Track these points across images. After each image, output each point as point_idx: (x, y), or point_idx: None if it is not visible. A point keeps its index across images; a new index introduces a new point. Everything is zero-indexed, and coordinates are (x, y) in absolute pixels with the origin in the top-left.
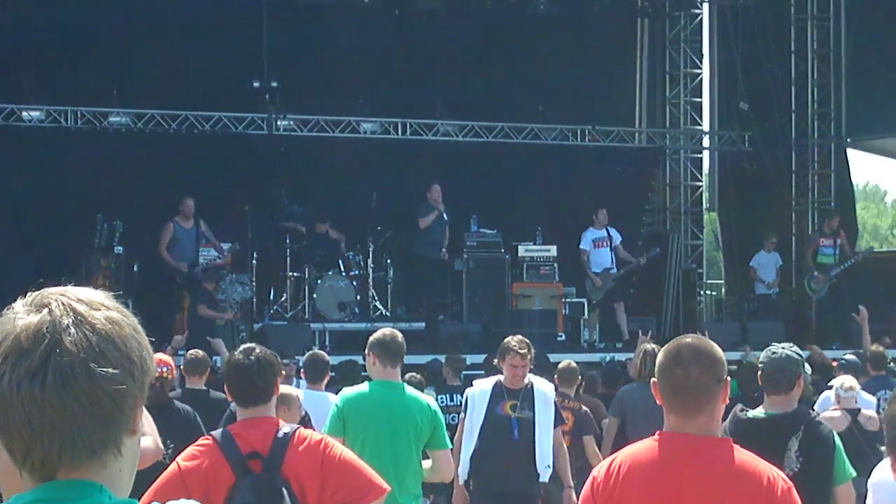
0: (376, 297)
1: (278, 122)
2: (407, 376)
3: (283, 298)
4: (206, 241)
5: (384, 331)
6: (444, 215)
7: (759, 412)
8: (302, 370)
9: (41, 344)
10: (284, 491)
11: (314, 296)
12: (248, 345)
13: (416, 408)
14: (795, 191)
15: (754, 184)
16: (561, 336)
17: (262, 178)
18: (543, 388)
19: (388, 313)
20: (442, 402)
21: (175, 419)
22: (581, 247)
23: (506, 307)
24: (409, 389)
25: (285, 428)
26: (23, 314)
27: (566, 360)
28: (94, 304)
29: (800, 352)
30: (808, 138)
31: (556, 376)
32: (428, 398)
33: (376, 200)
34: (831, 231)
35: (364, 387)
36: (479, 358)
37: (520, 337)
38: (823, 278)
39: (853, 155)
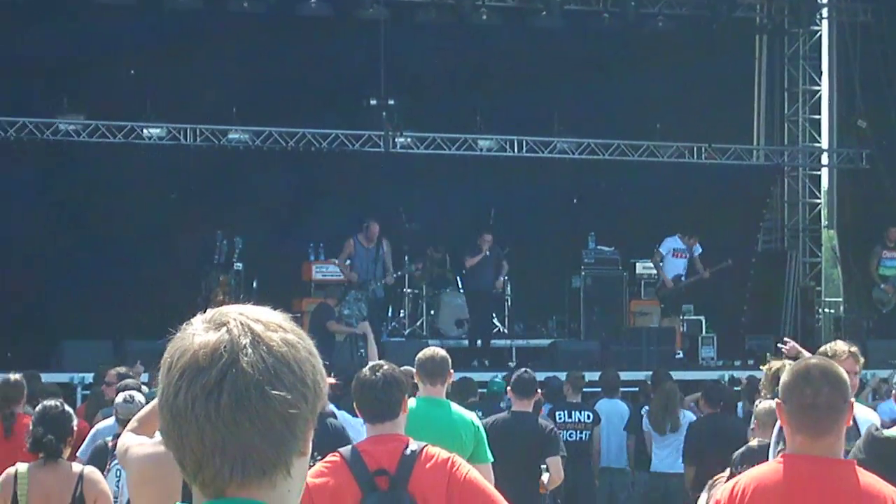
0: (494, 315)
1: (395, 140)
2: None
3: (401, 315)
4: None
5: (426, 350)
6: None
7: (893, 432)
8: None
9: (218, 363)
10: None
11: (432, 312)
12: (377, 361)
13: (460, 424)
14: None
15: (872, 201)
16: (679, 353)
17: (380, 195)
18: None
19: (504, 330)
20: (560, 418)
21: (326, 433)
22: (658, 248)
23: (623, 324)
24: (454, 406)
25: (413, 445)
26: (201, 332)
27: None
28: (271, 325)
29: None
30: None
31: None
32: (471, 415)
33: (494, 217)
34: (893, 243)
35: (412, 403)
36: (596, 375)
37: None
38: (891, 290)
39: None
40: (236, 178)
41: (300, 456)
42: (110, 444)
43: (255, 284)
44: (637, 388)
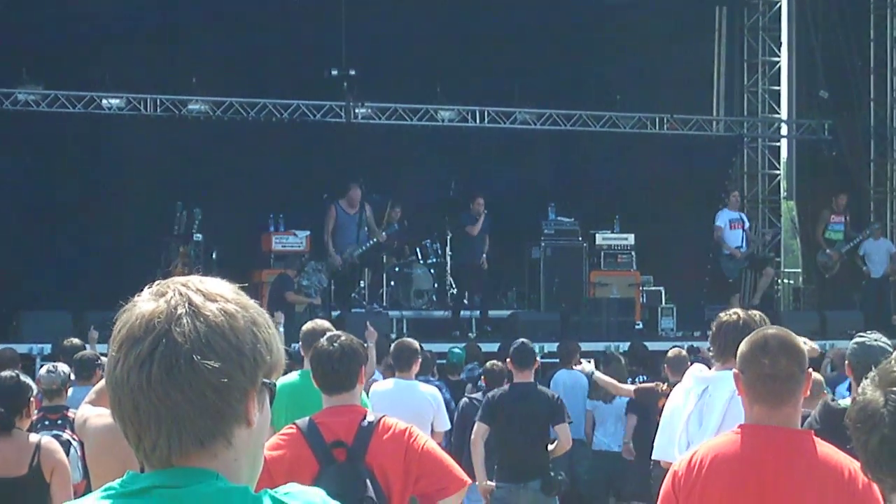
0: (454, 286)
1: (356, 111)
2: (488, 364)
3: (361, 286)
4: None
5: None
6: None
7: (849, 402)
8: (392, 359)
9: (151, 333)
10: (368, 480)
11: (392, 283)
12: (334, 332)
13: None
14: (874, 179)
15: (832, 172)
16: (639, 324)
17: (340, 166)
18: None
19: (465, 301)
20: None
21: None
22: (717, 223)
23: (583, 295)
24: (421, 386)
25: (370, 416)
26: (143, 302)
27: (675, 349)
28: (211, 294)
29: (888, 342)
30: (886, 127)
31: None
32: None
33: (455, 188)
34: (840, 209)
35: (389, 383)
36: (555, 346)
37: None
38: (836, 255)
39: None
40: (196, 148)
41: (243, 426)
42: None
43: (214, 255)
44: (594, 360)
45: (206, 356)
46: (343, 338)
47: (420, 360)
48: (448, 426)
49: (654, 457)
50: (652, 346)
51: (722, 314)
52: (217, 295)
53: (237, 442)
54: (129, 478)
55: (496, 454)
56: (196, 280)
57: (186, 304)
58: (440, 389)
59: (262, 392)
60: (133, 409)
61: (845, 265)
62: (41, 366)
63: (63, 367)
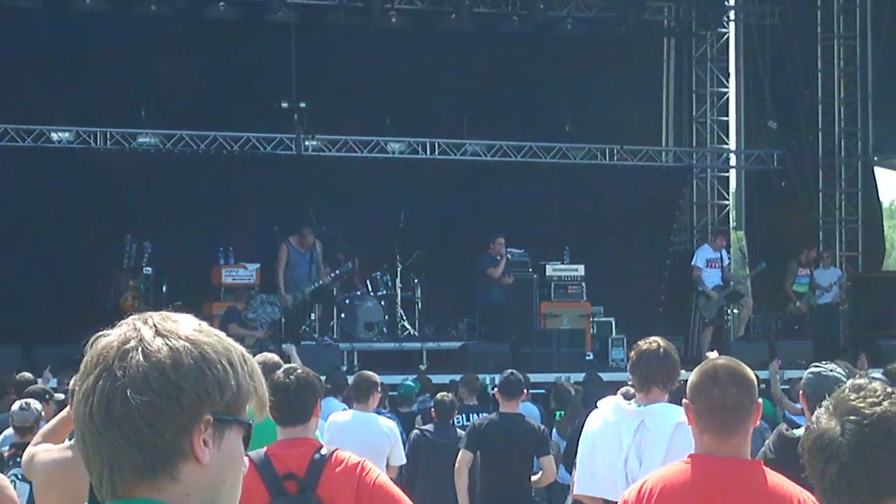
0: (404, 317)
1: (307, 143)
2: (438, 396)
3: (311, 319)
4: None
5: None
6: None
7: (802, 431)
8: (351, 391)
9: (99, 367)
10: None
11: (342, 316)
12: (291, 364)
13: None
14: (822, 209)
15: (781, 202)
16: (589, 355)
17: (291, 198)
18: None
19: (415, 333)
20: (459, 422)
21: None
22: (694, 263)
23: (534, 326)
24: (380, 419)
25: (323, 450)
26: (104, 336)
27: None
28: (164, 330)
29: (842, 372)
30: (835, 157)
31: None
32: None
33: (404, 220)
34: (807, 261)
35: (347, 415)
36: None
37: None
38: (805, 307)
39: (880, 173)
40: (146, 181)
41: (192, 462)
42: (6, 453)
43: (164, 289)
44: (545, 391)
45: (140, 391)
46: (299, 371)
47: (379, 392)
48: (403, 460)
49: (576, 492)
50: (604, 376)
51: (641, 342)
52: (169, 331)
53: (185, 478)
54: None
55: (480, 483)
56: (158, 316)
57: (136, 339)
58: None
59: (219, 428)
60: (82, 441)
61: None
62: None
63: (36, 405)
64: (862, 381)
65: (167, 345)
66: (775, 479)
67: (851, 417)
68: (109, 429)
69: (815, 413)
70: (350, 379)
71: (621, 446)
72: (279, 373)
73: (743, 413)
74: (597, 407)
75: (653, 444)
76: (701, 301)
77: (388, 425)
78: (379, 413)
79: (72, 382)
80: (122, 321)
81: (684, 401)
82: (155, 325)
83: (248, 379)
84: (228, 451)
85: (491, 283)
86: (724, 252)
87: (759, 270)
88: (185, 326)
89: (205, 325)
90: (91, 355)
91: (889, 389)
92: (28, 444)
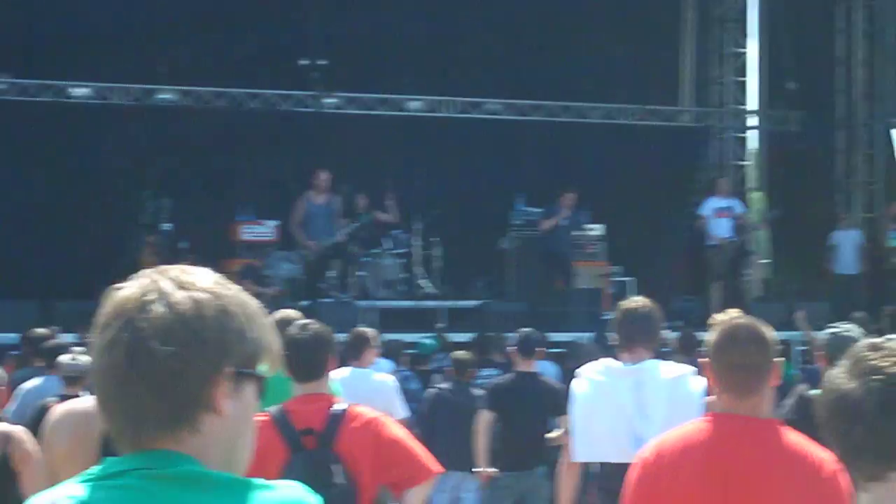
0: (423, 276)
1: (325, 100)
2: (456, 354)
3: (329, 276)
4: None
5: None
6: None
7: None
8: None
9: (120, 319)
10: (337, 468)
11: (361, 273)
12: (305, 320)
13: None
14: (842, 171)
15: (800, 163)
16: (607, 315)
17: (310, 156)
18: None
19: (434, 291)
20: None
21: None
22: (699, 211)
23: (550, 286)
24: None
25: (340, 404)
26: (121, 289)
27: None
28: (184, 283)
29: (859, 332)
30: (854, 118)
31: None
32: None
33: (423, 178)
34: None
35: (344, 371)
36: None
37: None
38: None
39: None
40: (164, 137)
41: (211, 414)
42: (51, 404)
43: (182, 245)
44: (565, 350)
45: (165, 342)
46: (315, 325)
47: (373, 348)
48: (403, 414)
49: (577, 458)
50: None
51: (624, 302)
52: (189, 283)
53: (206, 430)
54: (107, 463)
55: (499, 442)
56: (176, 269)
57: (156, 291)
58: (408, 379)
59: (238, 381)
60: (102, 392)
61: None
62: (7, 355)
63: (84, 357)
64: (877, 340)
65: (189, 296)
66: (796, 438)
67: (875, 377)
68: (133, 380)
69: (831, 374)
70: None
71: (620, 406)
72: (293, 328)
73: (762, 373)
74: (576, 375)
75: (654, 400)
76: (708, 253)
77: (383, 379)
78: (400, 372)
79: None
80: (137, 275)
81: (702, 360)
82: (175, 278)
83: (264, 332)
84: (246, 404)
85: (553, 236)
86: (737, 201)
87: (774, 218)
88: (205, 279)
89: (222, 278)
90: (109, 308)
91: None
92: (75, 395)
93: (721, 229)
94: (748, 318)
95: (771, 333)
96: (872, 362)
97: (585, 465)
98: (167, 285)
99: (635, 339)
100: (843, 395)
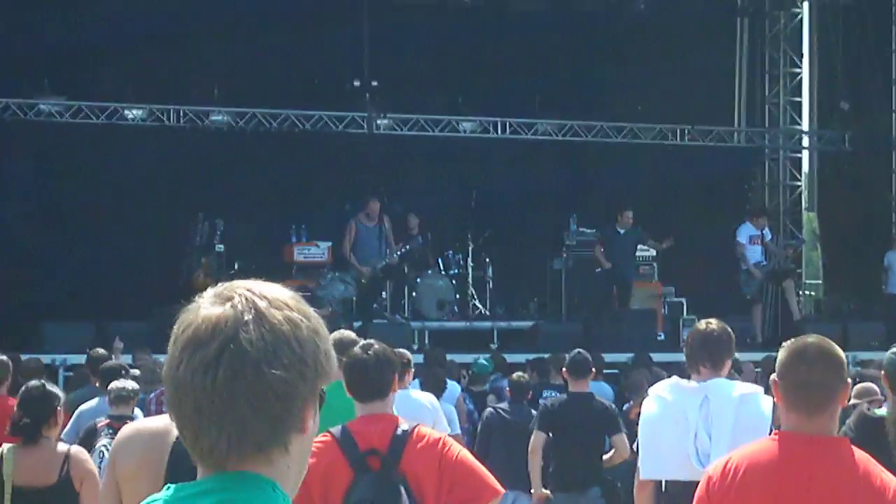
0: (475, 296)
1: (378, 122)
2: (514, 376)
3: (382, 297)
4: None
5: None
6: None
7: (884, 411)
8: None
9: (219, 338)
10: (402, 489)
11: (414, 294)
12: (368, 340)
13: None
14: (895, 189)
15: (854, 184)
16: (661, 336)
17: (363, 177)
18: None
19: (486, 312)
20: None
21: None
22: (738, 240)
23: (604, 307)
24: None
25: (404, 425)
26: (208, 305)
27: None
28: (276, 302)
29: None
30: None
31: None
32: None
33: (476, 199)
34: (759, 227)
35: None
36: None
37: None
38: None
39: None
40: (218, 159)
41: (299, 434)
42: (100, 424)
43: (236, 266)
44: (617, 371)
45: (272, 365)
46: (377, 346)
47: (410, 369)
48: (449, 430)
49: (641, 476)
50: (675, 357)
51: (698, 323)
52: (282, 303)
53: (293, 449)
54: (178, 487)
55: (552, 463)
56: (260, 285)
57: (253, 311)
58: (465, 400)
59: (317, 400)
60: (194, 411)
61: (878, 278)
62: (65, 377)
63: (132, 385)
64: None
65: (286, 317)
66: (860, 455)
67: None
68: (236, 400)
69: None
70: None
71: (687, 423)
72: (357, 348)
73: (830, 392)
74: (648, 394)
75: (719, 418)
76: (742, 278)
77: (423, 398)
78: (462, 391)
79: (171, 352)
80: (207, 293)
81: (772, 378)
82: (265, 297)
83: (333, 353)
84: (317, 421)
85: (609, 255)
86: (765, 230)
87: (796, 246)
88: (291, 298)
89: (296, 294)
90: (200, 324)
91: None
92: (123, 416)
93: (755, 255)
94: (818, 336)
95: (840, 352)
96: None
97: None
98: (261, 304)
99: (704, 359)
100: None
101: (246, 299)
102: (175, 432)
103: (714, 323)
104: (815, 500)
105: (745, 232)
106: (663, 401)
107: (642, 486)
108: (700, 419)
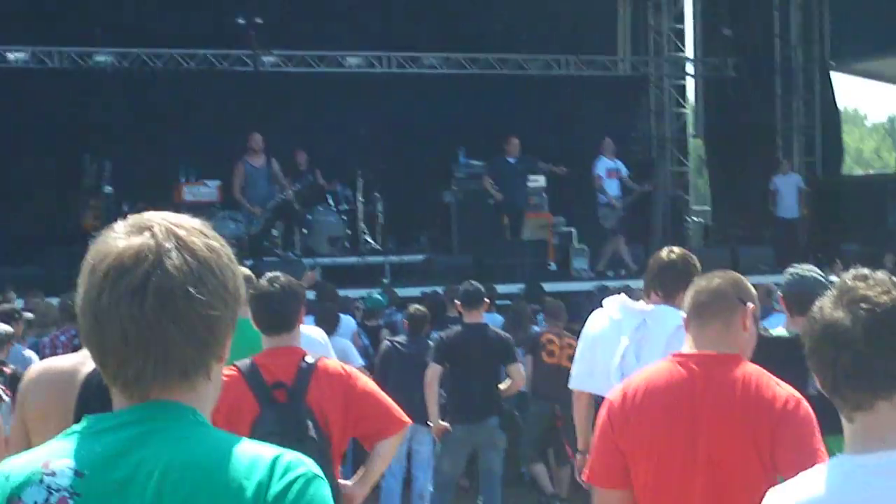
0: (366, 232)
1: (263, 59)
2: (411, 308)
3: (273, 234)
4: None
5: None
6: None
7: (781, 331)
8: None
9: (143, 264)
10: (309, 421)
11: (305, 231)
12: (274, 273)
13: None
14: (781, 116)
15: (739, 110)
16: (552, 266)
17: (249, 115)
18: None
19: (378, 246)
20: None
21: None
22: (596, 173)
23: (495, 238)
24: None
25: (310, 358)
26: (124, 236)
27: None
28: (193, 231)
29: (821, 273)
30: (792, 62)
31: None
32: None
33: (364, 134)
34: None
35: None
36: None
37: None
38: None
39: (837, 79)
40: (103, 100)
41: (218, 361)
42: None
43: (125, 208)
44: (510, 302)
45: (199, 289)
46: (282, 278)
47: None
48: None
49: (570, 385)
50: (565, 286)
51: (660, 250)
52: (199, 231)
53: (213, 376)
54: (95, 419)
55: (450, 395)
56: (174, 216)
57: (173, 238)
58: (360, 335)
59: (234, 328)
60: (120, 339)
61: (765, 202)
62: None
63: (3, 326)
64: (865, 271)
65: (206, 244)
66: (755, 371)
67: (864, 305)
68: (165, 325)
69: (818, 303)
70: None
71: (619, 342)
72: (263, 281)
73: (724, 301)
74: (601, 306)
75: (651, 343)
76: (601, 211)
77: (315, 333)
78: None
79: (88, 283)
80: (118, 225)
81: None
82: (183, 225)
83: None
84: (229, 350)
85: (502, 185)
86: (619, 161)
87: (642, 190)
88: (206, 227)
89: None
90: (123, 252)
91: (894, 279)
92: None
93: (612, 189)
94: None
95: (740, 277)
96: (861, 292)
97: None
98: (181, 232)
99: (657, 286)
100: (831, 323)
101: (165, 228)
102: (84, 371)
103: (676, 252)
104: (707, 412)
105: (602, 165)
106: (606, 318)
107: (577, 397)
108: (633, 341)
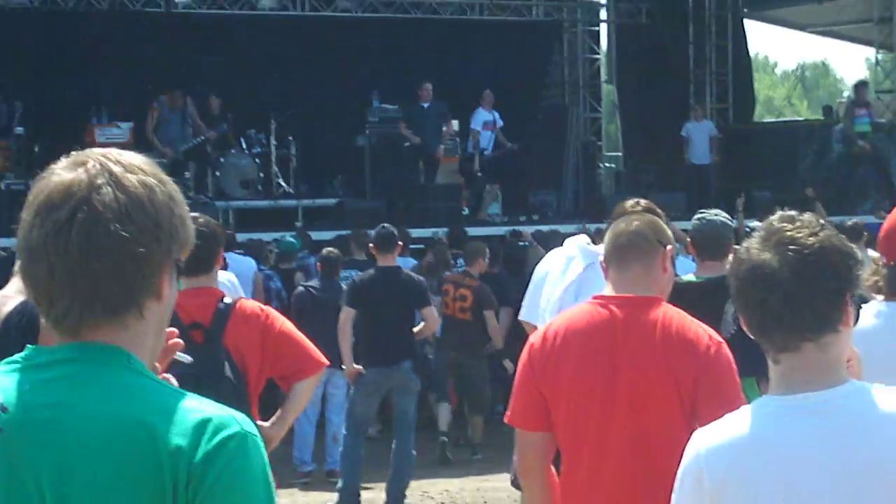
0: (279, 175)
1: (176, 0)
2: (324, 251)
3: (185, 177)
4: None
5: None
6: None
7: (691, 277)
8: None
9: (71, 200)
10: (226, 362)
11: (217, 174)
12: (193, 213)
13: None
14: (693, 63)
15: (652, 56)
16: (465, 210)
17: (163, 57)
18: None
19: (291, 190)
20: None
21: None
22: (473, 127)
23: (408, 182)
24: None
25: (227, 299)
26: (60, 171)
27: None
28: (131, 167)
29: (730, 219)
30: (705, 9)
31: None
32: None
33: (277, 77)
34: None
35: None
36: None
37: None
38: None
39: (750, 25)
40: (13, 40)
41: (155, 299)
42: None
43: (36, 148)
44: (424, 246)
45: (125, 225)
46: (201, 219)
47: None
48: None
49: (519, 317)
50: (477, 231)
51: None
52: (137, 167)
53: (148, 314)
54: (33, 351)
55: (363, 338)
56: (116, 152)
57: (107, 174)
58: (272, 279)
59: (173, 268)
60: (47, 274)
61: (677, 148)
62: None
63: None
64: (792, 213)
65: (141, 181)
66: (676, 313)
67: (791, 247)
68: (89, 261)
69: (745, 244)
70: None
71: (563, 280)
72: None
73: (643, 242)
74: (561, 244)
75: (594, 285)
76: (477, 165)
77: (222, 276)
78: (261, 270)
79: (24, 217)
80: (65, 157)
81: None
82: (119, 161)
83: (189, 222)
84: (174, 290)
85: (417, 130)
86: (496, 113)
87: (510, 147)
88: (147, 164)
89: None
90: (53, 188)
91: (821, 221)
92: None
93: (486, 141)
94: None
95: (658, 220)
96: (789, 233)
97: None
98: (117, 168)
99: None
100: (759, 265)
101: (100, 164)
102: (7, 308)
103: (642, 204)
104: (628, 353)
105: (480, 118)
106: (563, 255)
107: (527, 328)
108: (578, 280)
